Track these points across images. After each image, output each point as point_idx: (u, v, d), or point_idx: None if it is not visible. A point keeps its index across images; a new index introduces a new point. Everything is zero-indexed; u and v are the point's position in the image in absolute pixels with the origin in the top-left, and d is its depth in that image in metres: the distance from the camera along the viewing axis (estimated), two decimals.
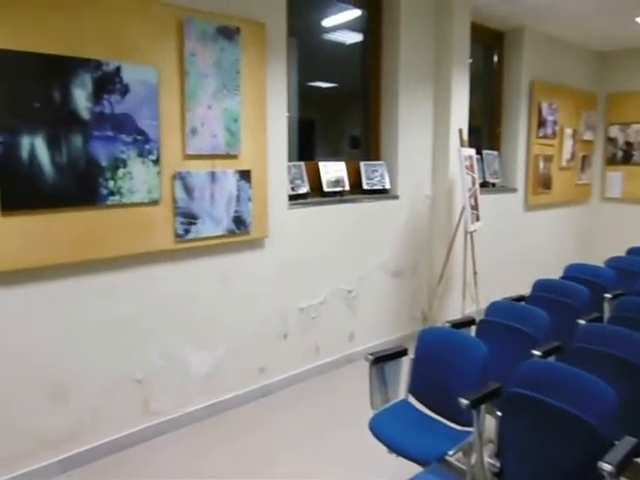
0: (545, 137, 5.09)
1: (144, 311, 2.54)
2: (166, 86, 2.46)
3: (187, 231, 2.58)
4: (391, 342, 3.67)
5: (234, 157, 2.75)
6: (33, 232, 2.13)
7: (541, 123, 5.02)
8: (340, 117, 4.07)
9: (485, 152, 4.67)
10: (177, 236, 2.55)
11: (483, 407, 1.88)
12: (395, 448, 1.86)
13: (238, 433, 2.68)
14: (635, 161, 5.63)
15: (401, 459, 1.84)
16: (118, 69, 2.29)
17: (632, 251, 4.18)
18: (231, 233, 2.76)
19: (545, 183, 5.18)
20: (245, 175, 2.79)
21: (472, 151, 3.83)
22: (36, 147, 2.10)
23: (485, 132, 4.99)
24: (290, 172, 3.15)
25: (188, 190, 2.57)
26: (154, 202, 2.46)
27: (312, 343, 3.34)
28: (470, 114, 4.10)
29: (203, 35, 2.55)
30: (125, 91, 2.32)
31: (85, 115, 2.22)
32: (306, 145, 3.59)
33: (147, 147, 2.41)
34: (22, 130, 2.06)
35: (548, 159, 5.17)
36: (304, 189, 3.24)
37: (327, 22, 3.68)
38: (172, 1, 2.46)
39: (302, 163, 3.27)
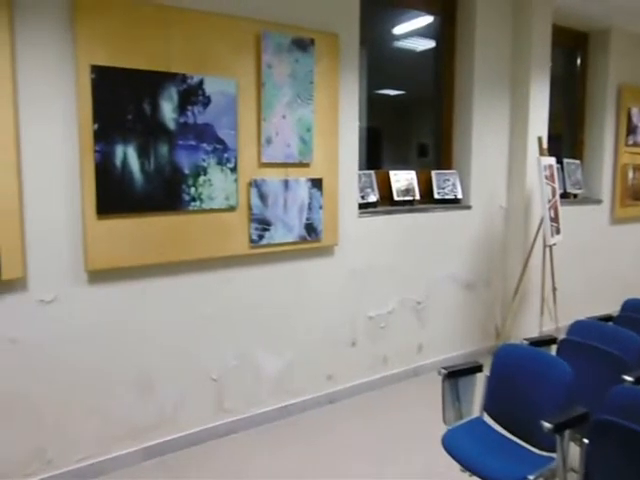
0: (635, 145, 4.71)
1: (221, 312, 2.64)
2: (244, 97, 2.56)
3: (261, 237, 2.66)
4: (461, 356, 3.55)
5: (306, 165, 2.79)
6: (124, 234, 2.29)
7: (631, 130, 4.65)
8: (408, 125, 4.01)
9: (566, 161, 4.40)
10: (252, 241, 2.64)
11: (568, 433, 1.75)
12: (470, 467, 1.78)
13: (305, 437, 2.70)
14: None
15: (475, 479, 1.76)
16: (201, 82, 2.42)
17: None
18: (302, 240, 2.81)
19: (635, 194, 4.78)
20: (317, 183, 2.83)
21: (552, 160, 3.62)
22: (128, 156, 2.26)
23: (566, 140, 4.70)
24: (360, 180, 3.15)
25: (263, 197, 2.65)
26: (231, 208, 2.56)
27: (380, 353, 3.30)
28: (550, 121, 3.88)
29: (279, 47, 2.63)
30: (207, 102, 2.44)
31: (171, 125, 2.36)
32: (373, 153, 3.57)
33: (225, 155, 2.51)
34: (117, 140, 2.23)
35: (639, 168, 4.77)
36: (374, 198, 3.22)
37: (398, 29, 3.66)
38: (251, 15, 2.56)
39: (372, 172, 3.26)
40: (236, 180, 2.56)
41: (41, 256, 2.15)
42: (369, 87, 3.46)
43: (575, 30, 4.43)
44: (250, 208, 2.61)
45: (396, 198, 3.33)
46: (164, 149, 2.35)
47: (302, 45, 2.70)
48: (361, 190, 3.16)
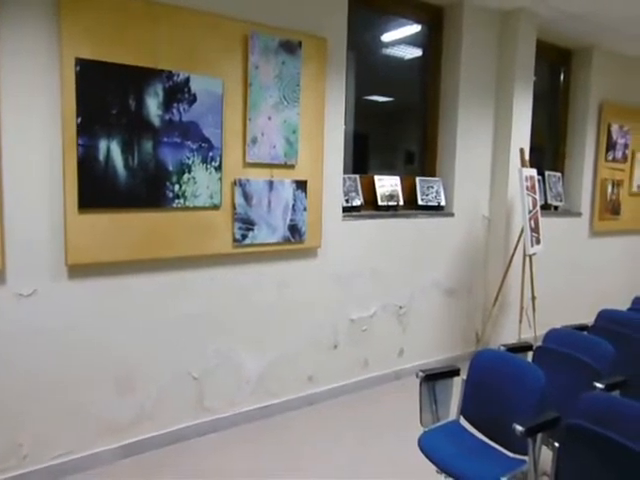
0: (615, 160, 4.83)
1: (203, 310, 2.63)
2: (230, 97, 2.57)
3: (244, 236, 2.65)
4: (441, 361, 3.58)
5: (291, 167, 2.80)
6: (106, 229, 2.27)
7: (610, 146, 4.77)
8: (395, 131, 4.06)
9: (548, 173, 4.49)
10: (235, 240, 2.63)
11: (540, 436, 1.78)
12: (445, 468, 1.79)
13: (285, 438, 2.69)
14: None
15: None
16: (187, 80, 2.42)
17: None
18: (286, 241, 2.81)
19: (613, 209, 4.90)
20: (301, 185, 2.84)
21: (534, 171, 3.70)
22: (112, 151, 2.25)
23: (548, 152, 4.80)
24: (345, 184, 3.17)
25: (247, 197, 2.65)
26: (215, 207, 2.56)
27: (361, 356, 3.31)
28: (533, 133, 3.97)
29: (266, 48, 2.64)
30: (193, 100, 2.44)
31: (156, 122, 2.35)
32: (360, 158, 3.60)
33: (210, 154, 2.51)
34: (100, 134, 2.21)
35: (617, 184, 4.89)
36: (358, 202, 3.24)
37: (387, 37, 3.71)
38: (240, 15, 2.57)
39: (357, 176, 3.29)
40: (220, 179, 2.56)
41: (20, 249, 2.12)
42: (357, 93, 3.49)
43: (559, 46, 4.54)
44: (234, 207, 2.61)
45: (380, 203, 3.36)
46: (148, 145, 2.34)
47: (290, 47, 2.72)
48: (346, 194, 3.18)
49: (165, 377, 2.54)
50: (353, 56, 3.36)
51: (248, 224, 2.66)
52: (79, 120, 2.16)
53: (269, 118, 2.70)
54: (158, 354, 2.51)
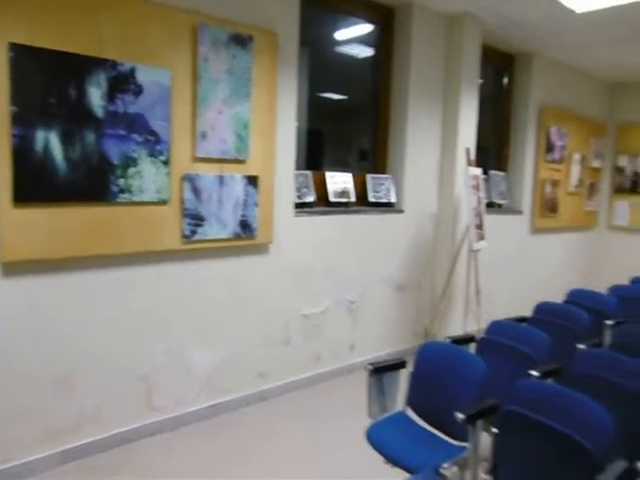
0: (553, 161, 5.12)
1: (151, 308, 2.56)
2: (179, 89, 2.51)
3: (194, 232, 2.60)
4: (392, 355, 3.66)
5: (242, 162, 2.78)
6: (45, 225, 2.16)
7: (549, 147, 5.05)
8: (349, 129, 4.11)
9: (492, 173, 4.69)
10: (184, 237, 2.58)
11: (479, 423, 1.87)
12: (391, 458, 1.85)
13: (235, 436, 2.68)
14: None
15: (397, 470, 1.83)
16: (133, 70, 2.34)
17: (636, 280, 4.16)
18: (237, 237, 2.78)
19: (551, 207, 5.19)
20: (252, 181, 2.82)
21: (478, 171, 3.85)
22: (50, 142, 2.14)
23: (493, 153, 5.02)
24: (297, 180, 3.18)
25: (196, 192, 2.60)
26: (163, 202, 2.49)
27: (313, 351, 3.34)
28: (479, 134, 4.13)
29: (216, 41, 2.60)
30: (139, 92, 2.36)
31: (99, 113, 2.26)
32: (314, 155, 3.63)
33: (158, 148, 2.44)
34: (38, 124, 2.10)
35: (555, 183, 5.19)
36: (310, 198, 3.26)
37: (340, 35, 3.75)
38: (188, 6, 2.52)
39: (309, 172, 3.30)
40: (168, 173, 2.49)
41: None
42: (311, 89, 3.50)
43: (503, 51, 4.75)
44: (183, 202, 2.56)
45: (332, 199, 3.40)
46: (91, 137, 2.24)
47: (240, 41, 2.69)
48: (298, 190, 3.19)
49: (109, 377, 2.46)
50: (306, 53, 3.36)
51: (198, 220, 2.61)
52: (14, 109, 2.04)
53: (219, 112, 2.66)
54: (102, 354, 2.42)
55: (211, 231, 2.67)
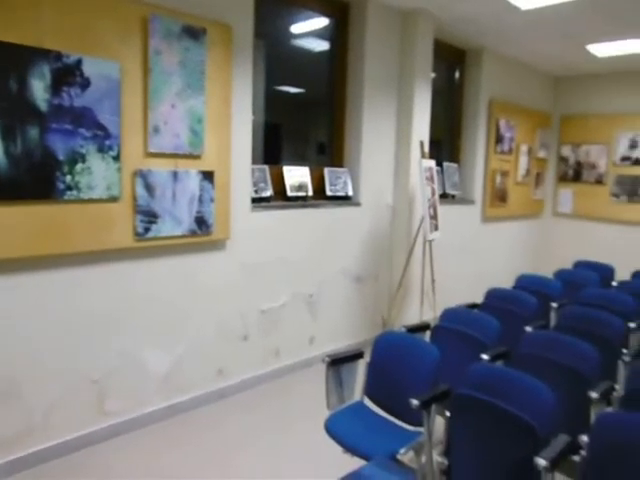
0: (502, 153, 5.33)
1: (103, 308, 2.49)
2: (129, 82, 2.43)
3: (147, 229, 2.55)
4: (351, 346, 3.70)
5: (197, 157, 2.73)
6: None
7: (499, 139, 5.24)
8: (307, 122, 4.11)
9: (446, 164, 4.83)
10: (137, 234, 2.51)
11: (433, 408, 1.95)
12: (349, 447, 1.90)
13: (194, 435, 2.65)
14: (584, 179, 5.96)
15: (356, 459, 1.87)
16: (79, 62, 2.25)
17: (578, 264, 4.43)
18: (193, 233, 2.74)
19: (501, 197, 5.41)
20: (208, 176, 2.78)
21: (432, 163, 3.96)
22: None
23: (446, 145, 5.17)
24: (254, 175, 3.17)
25: (149, 188, 2.54)
26: (113, 199, 2.42)
27: (272, 346, 3.35)
28: (432, 127, 4.23)
29: (168, 33, 2.53)
30: (86, 85, 2.28)
31: (42, 106, 2.16)
32: (272, 149, 3.61)
33: (107, 143, 2.36)
34: None
35: (505, 174, 5.41)
36: (267, 193, 3.26)
37: (296, 28, 3.73)
38: None
39: (266, 167, 3.29)
40: (119, 169, 2.42)
41: None
42: (268, 83, 3.48)
43: (455, 46, 4.88)
44: (135, 199, 2.49)
45: (289, 194, 3.40)
46: (34, 132, 2.14)
47: (193, 33, 2.63)
48: (255, 184, 3.18)
49: (60, 382, 2.37)
50: (262, 46, 3.33)
51: (151, 217, 2.56)
52: None
53: (172, 106, 2.60)
54: (50, 358, 2.33)
55: (165, 228, 2.62)
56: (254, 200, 3.14)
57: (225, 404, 3.00)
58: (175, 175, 2.64)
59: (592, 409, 2.04)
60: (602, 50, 4.70)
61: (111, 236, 2.43)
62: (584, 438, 1.68)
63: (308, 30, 3.79)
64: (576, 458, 1.68)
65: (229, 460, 2.45)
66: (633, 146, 5.54)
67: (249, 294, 3.15)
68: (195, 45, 2.65)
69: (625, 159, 5.61)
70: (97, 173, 2.34)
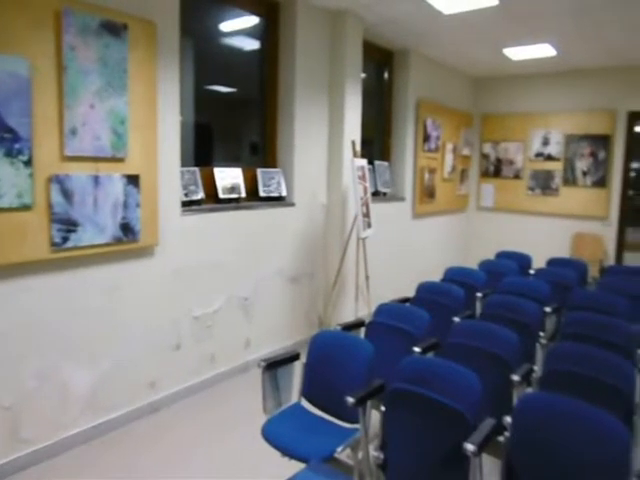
0: (430, 151, 5.56)
1: (16, 327, 2.30)
2: (41, 81, 2.26)
3: (66, 239, 2.38)
4: (288, 347, 3.72)
5: (121, 160, 2.60)
6: None
7: (426, 138, 5.47)
8: (240, 122, 4.04)
9: (377, 163, 4.96)
10: (53, 244, 2.34)
11: (369, 404, 2.00)
12: (287, 451, 1.89)
13: (123, 455, 2.52)
14: (504, 175, 6.37)
15: (294, 462, 1.87)
16: None
17: (500, 254, 4.73)
18: (117, 241, 2.61)
19: (430, 193, 5.65)
20: (133, 180, 2.66)
21: (364, 162, 4.05)
22: None
23: (377, 144, 5.30)
24: (183, 178, 3.07)
25: (67, 195, 2.38)
26: (25, 207, 2.24)
27: (207, 353, 3.27)
28: (363, 126, 4.33)
29: (84, 28, 2.39)
30: None
31: None
32: (203, 150, 3.52)
33: (17, 146, 2.19)
34: None
35: (432, 171, 5.65)
36: (199, 195, 3.17)
37: (225, 26, 3.66)
38: None
39: (196, 169, 3.20)
40: (31, 175, 2.24)
41: None
42: (197, 82, 3.38)
43: (384, 48, 5.01)
44: (51, 207, 2.32)
45: (221, 196, 3.33)
46: None
47: (113, 29, 2.50)
48: (185, 187, 3.08)
49: None
50: (190, 44, 3.23)
51: (70, 225, 2.40)
52: None
53: (92, 106, 2.45)
54: None
55: (86, 237, 2.47)
56: (184, 203, 3.05)
57: (158, 418, 2.88)
58: (96, 180, 2.50)
59: (514, 391, 2.17)
60: (516, 54, 5.05)
61: (23, 248, 2.24)
62: (508, 419, 1.79)
63: (238, 28, 3.72)
64: (501, 439, 1.77)
65: (163, 476, 2.36)
66: (545, 143, 6.00)
67: (181, 301, 3.05)
68: (116, 42, 2.51)
69: (539, 155, 6.06)
70: (5, 180, 2.15)
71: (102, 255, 2.59)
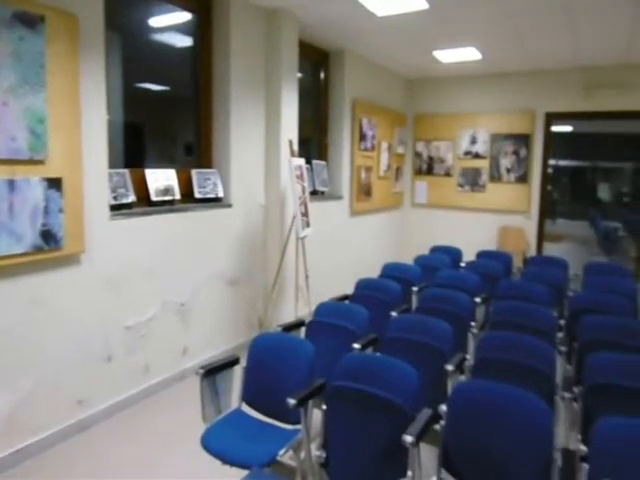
0: (366, 150, 5.67)
1: None
2: None
3: None
4: (228, 352, 3.65)
5: (40, 163, 2.42)
6: None
7: (362, 137, 5.57)
8: (174, 122, 3.91)
9: (315, 162, 4.99)
10: None
11: (310, 404, 2.01)
12: (228, 459, 1.86)
13: (51, 478, 2.34)
14: (436, 172, 6.63)
15: (236, 469, 1.84)
16: None
17: (434, 249, 4.93)
18: (38, 250, 2.43)
19: (366, 191, 5.77)
20: (54, 183, 2.49)
21: (302, 161, 4.06)
22: None
23: (314, 143, 5.33)
24: (112, 180, 2.92)
25: None
26: None
27: (141, 363, 3.12)
28: (301, 126, 4.33)
29: None
30: None
31: None
32: (134, 151, 3.36)
33: None
34: None
35: (368, 169, 5.77)
36: (129, 198, 3.03)
37: (155, 22, 3.51)
38: None
39: (126, 170, 3.05)
40: None
41: None
42: (127, 80, 3.22)
43: (319, 48, 5.04)
44: None
45: (154, 198, 3.21)
46: None
47: (28, 21, 2.32)
48: (114, 190, 2.93)
49: None
50: (118, 39, 3.06)
51: None
52: None
53: (4, 104, 2.26)
54: None
55: (1, 246, 2.27)
56: (113, 207, 2.90)
57: (88, 436, 2.70)
58: (12, 184, 2.31)
59: (449, 380, 2.27)
60: (445, 56, 5.26)
61: None
62: (443, 408, 1.87)
63: (169, 24, 3.58)
64: (437, 427, 1.85)
65: None
66: (473, 142, 6.32)
67: (111, 310, 2.90)
68: (31, 35, 2.33)
69: (467, 153, 6.37)
70: None
71: (20, 265, 2.39)
